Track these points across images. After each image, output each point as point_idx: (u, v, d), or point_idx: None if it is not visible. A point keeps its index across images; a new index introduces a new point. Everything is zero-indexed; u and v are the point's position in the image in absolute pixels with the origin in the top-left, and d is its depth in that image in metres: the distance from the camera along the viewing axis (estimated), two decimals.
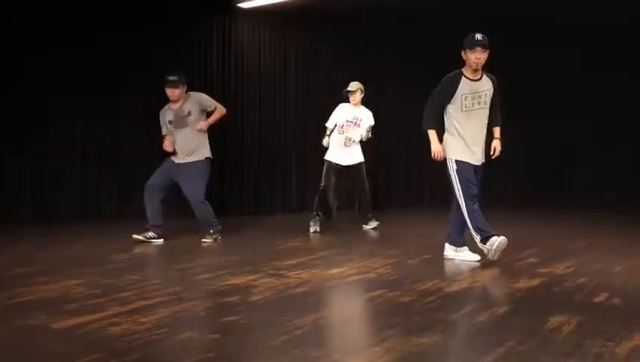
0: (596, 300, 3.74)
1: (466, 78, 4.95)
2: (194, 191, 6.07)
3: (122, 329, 3.06)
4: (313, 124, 9.68)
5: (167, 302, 3.65)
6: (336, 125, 6.98)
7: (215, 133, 6.64)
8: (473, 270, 4.73)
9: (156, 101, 6.42)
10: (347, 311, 3.66)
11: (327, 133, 7.01)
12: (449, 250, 5.22)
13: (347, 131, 6.99)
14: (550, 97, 10.28)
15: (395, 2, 8.34)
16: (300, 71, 9.64)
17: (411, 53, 9.96)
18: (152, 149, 6.70)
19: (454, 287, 4.15)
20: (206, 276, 4.46)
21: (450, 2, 8.59)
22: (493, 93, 5.05)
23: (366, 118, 7.05)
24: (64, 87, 7.39)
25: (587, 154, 10.38)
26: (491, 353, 2.72)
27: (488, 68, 5.06)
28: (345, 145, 6.99)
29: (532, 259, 5.18)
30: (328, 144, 7.01)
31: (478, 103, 4.98)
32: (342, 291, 4.22)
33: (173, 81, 6.03)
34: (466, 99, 4.95)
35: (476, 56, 4.84)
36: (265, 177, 9.27)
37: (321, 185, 7.02)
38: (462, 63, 4.98)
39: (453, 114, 5.00)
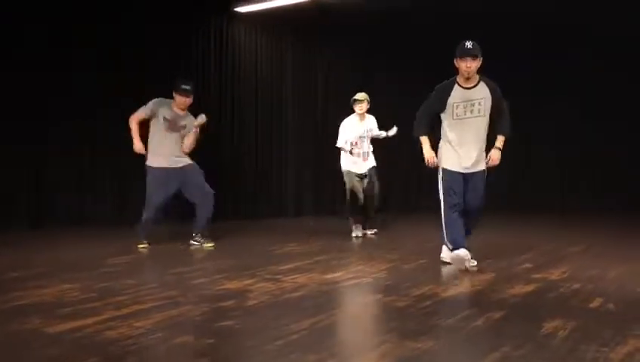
0: (591, 306, 3.75)
1: (459, 85, 4.86)
2: (208, 185, 6.06)
3: (117, 333, 3.05)
4: (309, 128, 9.69)
5: (162, 306, 3.64)
6: (347, 142, 6.87)
7: (210, 137, 6.63)
8: (469, 275, 4.74)
9: None
10: (343, 316, 3.65)
11: (343, 150, 6.93)
12: (445, 252, 5.22)
13: (362, 147, 6.93)
14: (550, 98, 10.32)
15: (391, 7, 8.37)
16: (295, 75, 9.66)
17: (407, 57, 9.99)
18: None
19: (450, 292, 4.15)
20: (202, 280, 4.46)
21: (447, 5, 8.61)
22: (494, 101, 4.89)
23: (374, 126, 7.03)
24: (63, 88, 7.40)
25: (587, 154, 10.43)
26: (487, 358, 2.73)
27: (487, 71, 4.93)
28: (363, 160, 6.95)
29: (528, 265, 5.20)
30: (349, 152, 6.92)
31: (471, 112, 4.84)
32: (338, 296, 4.22)
33: (188, 91, 6.00)
34: (457, 108, 4.86)
35: (466, 65, 4.74)
36: (261, 181, 9.28)
37: (346, 189, 6.96)
38: (457, 69, 4.89)
39: (445, 122, 4.97)
